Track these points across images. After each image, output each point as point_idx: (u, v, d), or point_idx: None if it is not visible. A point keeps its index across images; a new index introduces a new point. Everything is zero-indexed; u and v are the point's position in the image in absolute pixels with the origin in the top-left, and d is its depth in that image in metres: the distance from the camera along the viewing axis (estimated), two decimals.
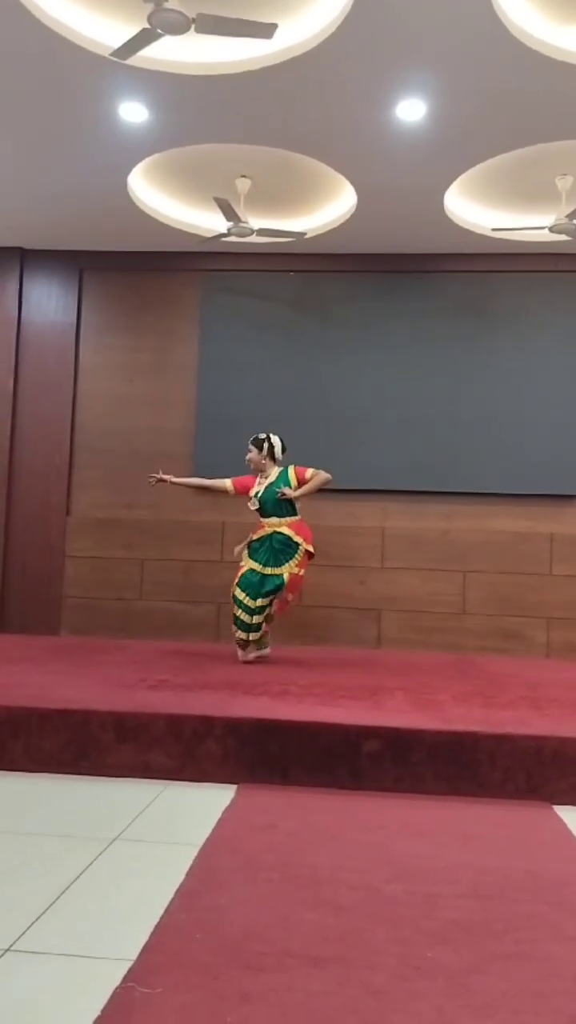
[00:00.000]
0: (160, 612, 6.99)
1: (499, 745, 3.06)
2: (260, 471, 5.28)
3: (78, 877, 2.17)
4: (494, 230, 6.26)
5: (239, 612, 5.13)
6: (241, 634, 5.16)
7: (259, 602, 5.06)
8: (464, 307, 7.02)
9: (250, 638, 5.15)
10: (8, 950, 1.74)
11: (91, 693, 3.67)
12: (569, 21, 4.45)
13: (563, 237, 5.99)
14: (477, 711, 3.58)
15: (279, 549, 5.10)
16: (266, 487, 5.19)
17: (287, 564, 5.08)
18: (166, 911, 1.94)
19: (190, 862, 2.26)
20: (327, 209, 6.56)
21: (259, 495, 5.18)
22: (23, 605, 7.08)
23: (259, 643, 5.23)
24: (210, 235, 6.34)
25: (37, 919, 1.90)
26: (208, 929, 1.84)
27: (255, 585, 5.07)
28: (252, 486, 5.27)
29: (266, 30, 4.02)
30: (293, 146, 5.55)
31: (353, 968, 1.68)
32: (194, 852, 2.33)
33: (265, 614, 5.13)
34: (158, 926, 1.85)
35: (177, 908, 1.96)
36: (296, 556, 5.10)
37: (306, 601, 6.85)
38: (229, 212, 5.79)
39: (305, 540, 5.13)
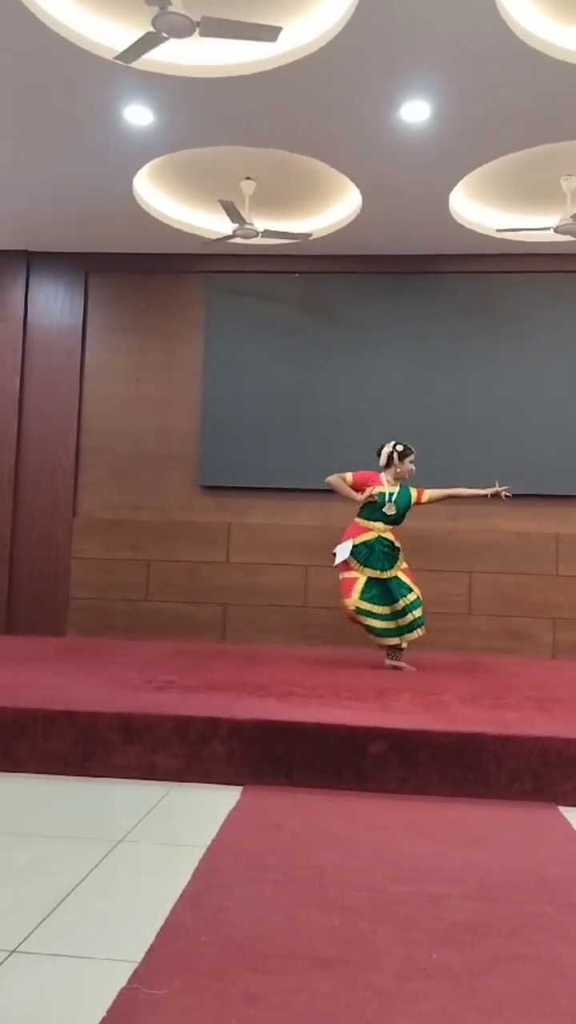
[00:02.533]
0: (166, 613, 7.00)
1: (505, 746, 3.05)
2: (397, 478, 5.24)
3: (84, 878, 2.17)
4: (499, 231, 6.26)
5: (373, 623, 5.10)
6: (387, 640, 5.14)
7: (389, 608, 5.09)
8: (469, 308, 7.02)
9: (401, 643, 5.14)
10: (14, 951, 1.75)
11: (97, 694, 3.68)
12: (573, 22, 4.45)
13: (568, 237, 5.98)
14: (483, 712, 3.57)
15: (388, 553, 5.15)
16: (397, 496, 5.18)
17: (396, 564, 5.14)
18: (171, 912, 1.94)
19: (195, 863, 2.26)
20: (332, 211, 6.56)
21: (396, 501, 5.16)
22: (30, 606, 7.11)
23: (394, 654, 5.20)
24: (215, 237, 6.35)
25: (43, 920, 1.91)
26: (213, 930, 1.84)
27: (376, 595, 5.09)
28: (374, 483, 5.21)
29: (270, 33, 4.03)
30: (298, 148, 5.56)
31: (358, 969, 1.68)
32: (200, 853, 2.34)
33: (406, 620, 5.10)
34: (163, 927, 1.86)
35: (182, 909, 1.96)
36: (400, 556, 5.19)
37: (312, 602, 6.87)
38: (234, 214, 5.80)
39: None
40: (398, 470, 5.23)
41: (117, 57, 4.32)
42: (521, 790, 3.01)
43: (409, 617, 5.10)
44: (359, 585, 5.09)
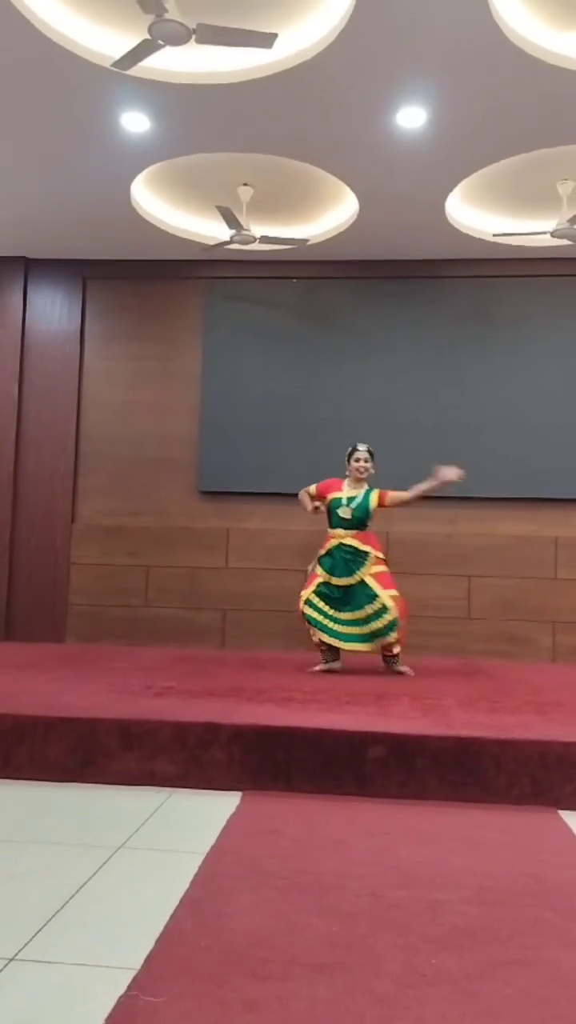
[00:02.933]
0: (165, 619, 7.00)
1: (504, 750, 3.05)
2: (357, 482, 5.23)
3: (83, 885, 2.17)
4: (495, 235, 6.27)
5: (316, 615, 5.12)
6: (325, 638, 5.12)
7: (344, 615, 5.07)
8: (467, 312, 7.03)
9: (332, 643, 5.12)
10: (13, 959, 1.75)
11: (96, 700, 3.68)
12: (568, 27, 4.47)
13: (565, 242, 6.00)
14: (482, 716, 3.57)
15: (348, 559, 5.12)
16: (360, 500, 5.16)
17: (360, 571, 5.09)
18: (171, 919, 1.94)
19: (195, 870, 2.26)
20: (329, 216, 6.58)
21: (354, 505, 5.14)
22: (29, 613, 7.10)
23: (391, 660, 5.19)
24: (213, 243, 6.37)
25: (42, 928, 1.90)
26: (213, 937, 1.84)
27: (335, 598, 5.09)
28: (331, 490, 5.22)
29: (266, 40, 4.05)
30: (294, 154, 5.58)
31: (358, 975, 1.68)
32: (199, 860, 2.33)
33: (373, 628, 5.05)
34: (162, 934, 1.86)
35: (182, 916, 1.96)
36: (367, 561, 5.11)
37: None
38: (231, 220, 5.82)
39: (375, 549, 5.19)
40: (348, 472, 5.26)
41: (114, 64, 4.33)
42: (520, 794, 3.01)
43: (377, 623, 5.02)
44: (316, 582, 5.15)
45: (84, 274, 7.38)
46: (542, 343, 6.93)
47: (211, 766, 3.14)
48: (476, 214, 6.45)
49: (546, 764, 3.02)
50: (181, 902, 2.03)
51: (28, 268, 7.38)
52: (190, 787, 3.12)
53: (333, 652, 5.17)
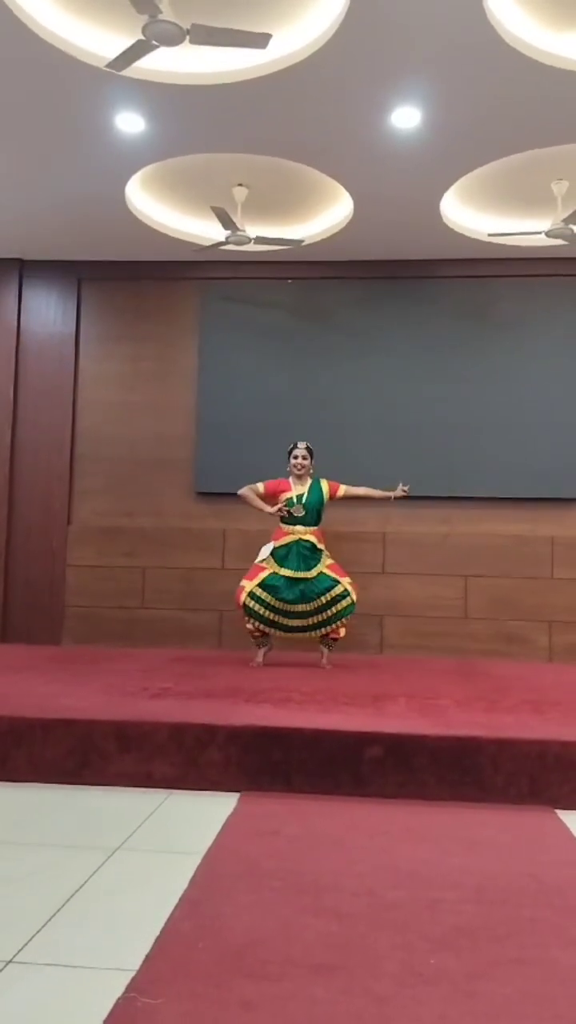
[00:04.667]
0: (162, 620, 6.99)
1: (502, 750, 3.05)
2: (300, 478, 5.38)
3: (81, 887, 2.16)
4: (491, 235, 6.28)
5: (256, 607, 5.25)
6: (257, 623, 5.29)
7: (291, 607, 5.25)
8: (462, 312, 7.04)
9: (267, 631, 5.33)
10: (10, 962, 1.74)
11: (93, 702, 3.67)
12: (562, 27, 4.48)
13: (560, 241, 6.00)
14: (480, 716, 3.57)
15: (307, 555, 5.27)
16: (307, 495, 5.30)
17: (317, 565, 5.28)
18: (169, 920, 1.93)
19: (193, 871, 2.26)
20: (324, 216, 6.58)
21: (304, 502, 5.29)
22: (25, 615, 7.09)
23: (327, 642, 5.41)
24: (208, 244, 6.36)
25: (40, 930, 1.90)
26: (211, 937, 1.83)
27: (282, 589, 5.23)
28: (282, 490, 5.36)
29: (260, 40, 4.04)
30: (289, 154, 5.58)
31: (356, 975, 1.67)
32: (197, 861, 2.33)
33: (312, 620, 5.29)
34: (161, 935, 1.85)
35: (180, 917, 1.95)
36: (321, 557, 5.32)
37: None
38: (226, 221, 5.82)
39: (324, 546, 5.39)
40: (288, 469, 5.41)
41: (108, 65, 4.33)
42: (518, 793, 3.01)
43: (335, 608, 5.25)
44: (263, 575, 5.27)
45: (79, 275, 7.37)
46: (537, 343, 6.94)
47: (209, 767, 3.14)
48: (471, 214, 6.46)
49: (544, 763, 3.03)
50: (179, 903, 2.03)
51: (23, 270, 7.37)
52: (188, 788, 3.12)
53: (265, 638, 5.40)
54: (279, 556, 5.28)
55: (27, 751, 3.24)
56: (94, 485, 7.26)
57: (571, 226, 5.68)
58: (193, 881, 2.18)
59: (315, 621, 5.29)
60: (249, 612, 5.28)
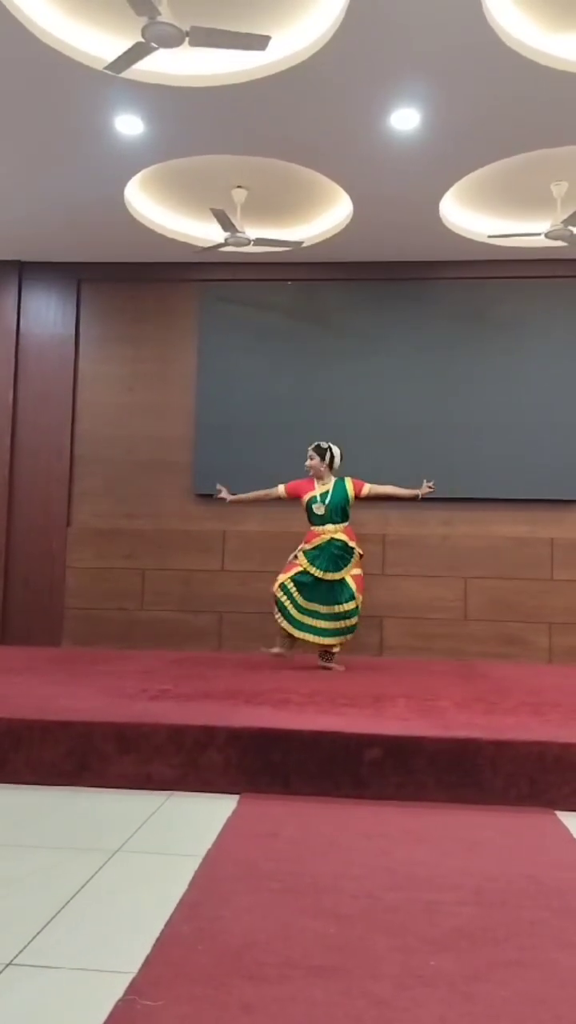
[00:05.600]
0: (161, 622, 6.99)
1: (501, 751, 3.05)
2: (318, 478, 5.39)
3: (80, 890, 2.16)
4: (490, 237, 6.29)
5: (287, 602, 5.28)
6: (286, 626, 5.32)
7: (326, 607, 5.27)
8: (461, 313, 7.04)
9: (295, 633, 5.32)
10: (9, 964, 1.74)
11: (92, 704, 3.67)
12: (561, 29, 4.48)
13: (559, 243, 6.01)
14: (479, 717, 3.57)
15: (338, 555, 5.28)
16: (330, 494, 5.31)
17: (346, 568, 5.27)
18: (168, 922, 1.93)
19: (192, 873, 2.25)
20: (323, 218, 6.59)
21: (327, 501, 5.29)
22: (25, 616, 7.09)
23: (326, 656, 5.42)
24: (207, 245, 6.37)
25: (38, 932, 1.90)
26: (210, 940, 1.83)
27: (309, 587, 5.26)
28: (305, 491, 5.40)
29: (259, 42, 4.05)
30: (289, 156, 5.58)
31: (355, 977, 1.67)
32: (196, 863, 2.33)
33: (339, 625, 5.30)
34: (160, 937, 1.85)
35: (179, 919, 1.95)
36: (352, 559, 5.32)
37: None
38: (226, 222, 5.82)
39: (356, 544, 5.40)
40: (306, 469, 5.45)
41: (107, 67, 4.33)
42: (518, 795, 3.01)
43: (345, 623, 5.28)
44: (296, 570, 5.31)
45: (79, 277, 7.37)
46: (537, 344, 6.95)
47: (208, 769, 3.14)
48: (470, 216, 6.46)
49: (543, 765, 3.02)
50: (178, 905, 2.03)
51: (22, 271, 7.37)
52: (187, 790, 3.11)
53: (291, 640, 5.40)
54: (310, 556, 5.31)
55: (26, 753, 3.23)
56: (93, 487, 7.26)
57: (570, 227, 5.69)
58: (193, 883, 2.18)
59: (327, 627, 5.29)
60: (279, 606, 5.32)
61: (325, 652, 5.38)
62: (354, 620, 5.29)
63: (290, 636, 5.37)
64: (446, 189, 5.93)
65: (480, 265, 6.98)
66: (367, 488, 5.37)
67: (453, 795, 3.02)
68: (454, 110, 4.98)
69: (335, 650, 5.37)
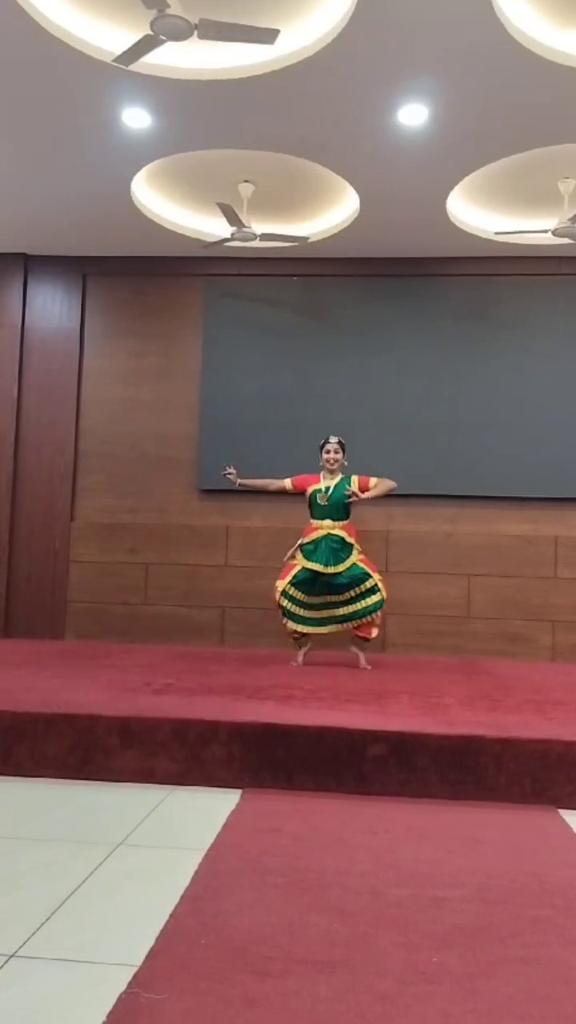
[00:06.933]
0: (165, 616, 6.99)
1: (505, 749, 3.05)
2: (332, 472, 5.40)
3: (83, 882, 2.16)
4: (497, 234, 6.26)
5: (291, 607, 5.29)
6: (294, 625, 5.33)
7: (320, 599, 5.28)
8: (467, 311, 7.02)
9: (306, 632, 5.33)
10: (13, 956, 1.74)
11: (96, 698, 3.67)
12: (571, 25, 4.46)
13: (566, 240, 5.98)
14: (482, 715, 3.57)
15: (336, 548, 5.27)
16: (335, 489, 5.32)
17: (347, 559, 5.24)
18: (171, 916, 1.93)
19: (195, 867, 2.26)
20: (330, 214, 6.57)
21: (330, 495, 5.31)
22: (28, 610, 7.09)
23: (360, 645, 5.41)
24: (213, 240, 6.35)
25: (42, 925, 1.90)
26: (213, 934, 1.83)
27: (310, 583, 5.25)
28: (310, 484, 5.43)
29: (268, 36, 4.03)
30: (296, 151, 5.56)
31: (359, 973, 1.67)
32: (199, 857, 2.33)
33: (345, 612, 5.28)
34: (163, 931, 1.85)
35: (182, 913, 1.95)
36: (352, 553, 5.28)
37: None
38: (232, 217, 5.81)
39: (356, 541, 5.36)
40: (321, 464, 5.44)
41: (115, 60, 4.32)
42: (521, 793, 3.01)
43: (364, 602, 5.23)
44: (294, 571, 5.29)
45: (84, 271, 7.36)
46: (543, 342, 6.92)
47: (211, 763, 3.14)
48: (477, 212, 6.44)
49: (546, 763, 3.02)
50: (182, 899, 2.03)
51: (28, 265, 7.36)
52: (190, 784, 3.12)
53: (305, 638, 5.40)
54: (307, 551, 5.30)
55: (29, 746, 3.24)
56: (97, 482, 7.26)
57: None
58: (196, 877, 2.18)
59: (346, 612, 5.26)
60: (285, 613, 5.32)
61: (357, 638, 5.36)
62: (376, 597, 5.21)
63: (299, 637, 5.37)
64: (453, 185, 5.90)
65: (487, 262, 6.95)
66: (373, 483, 5.34)
67: (456, 792, 3.02)
68: (462, 106, 4.95)
69: (372, 635, 5.33)
